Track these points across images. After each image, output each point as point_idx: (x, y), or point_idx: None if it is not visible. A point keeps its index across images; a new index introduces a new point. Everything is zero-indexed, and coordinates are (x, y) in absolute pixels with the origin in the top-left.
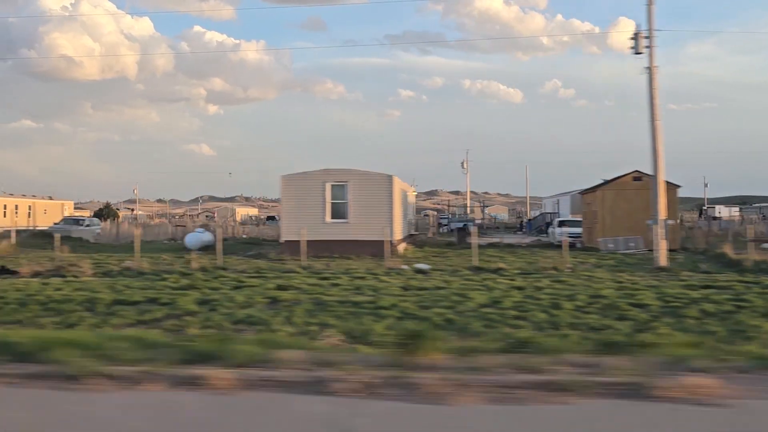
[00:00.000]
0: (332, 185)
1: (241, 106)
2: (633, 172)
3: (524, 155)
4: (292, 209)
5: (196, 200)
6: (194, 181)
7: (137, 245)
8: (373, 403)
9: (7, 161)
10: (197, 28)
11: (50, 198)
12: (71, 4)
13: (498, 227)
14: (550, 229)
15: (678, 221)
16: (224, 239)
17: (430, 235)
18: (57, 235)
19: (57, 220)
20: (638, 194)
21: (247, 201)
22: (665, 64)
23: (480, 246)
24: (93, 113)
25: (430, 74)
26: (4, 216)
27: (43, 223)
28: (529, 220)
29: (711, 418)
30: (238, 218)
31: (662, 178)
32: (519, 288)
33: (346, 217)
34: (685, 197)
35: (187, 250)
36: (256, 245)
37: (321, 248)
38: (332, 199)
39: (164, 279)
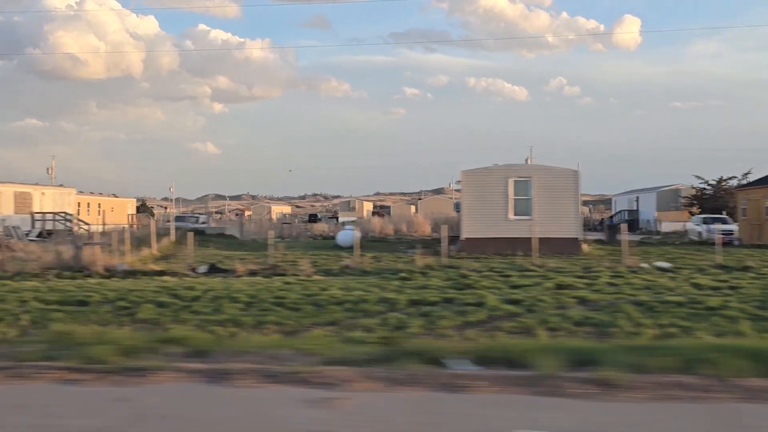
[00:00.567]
0: (515, 181)
1: (245, 105)
2: None
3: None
4: (472, 205)
5: (202, 198)
6: (198, 179)
7: (275, 243)
8: None
9: (12, 159)
10: (202, 26)
11: (115, 196)
12: (76, 2)
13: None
14: (690, 226)
15: None
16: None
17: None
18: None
19: (125, 218)
20: None
21: (254, 199)
22: (670, 62)
23: (631, 243)
24: (98, 112)
25: (435, 72)
26: (88, 214)
27: (111, 221)
28: (611, 217)
29: None
30: (274, 216)
31: None
32: None
33: (530, 213)
34: None
35: (339, 247)
36: (385, 242)
37: (502, 245)
38: (515, 195)
39: (408, 278)
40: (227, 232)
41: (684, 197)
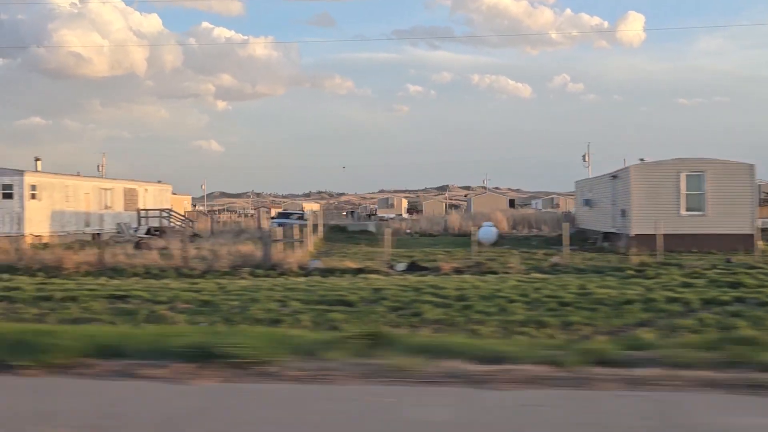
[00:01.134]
0: (687, 175)
1: (249, 102)
2: None
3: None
4: (642, 201)
5: (208, 195)
6: (202, 176)
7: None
8: None
9: (17, 157)
10: (205, 24)
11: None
12: (79, 0)
13: None
14: None
15: None
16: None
17: None
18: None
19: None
20: None
21: (258, 197)
22: (675, 59)
23: None
24: (102, 110)
25: (439, 69)
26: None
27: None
28: None
29: None
30: None
31: None
32: None
33: (703, 209)
34: None
35: (478, 243)
36: (511, 239)
37: (673, 242)
38: (687, 190)
39: (636, 276)
40: (367, 229)
41: None
